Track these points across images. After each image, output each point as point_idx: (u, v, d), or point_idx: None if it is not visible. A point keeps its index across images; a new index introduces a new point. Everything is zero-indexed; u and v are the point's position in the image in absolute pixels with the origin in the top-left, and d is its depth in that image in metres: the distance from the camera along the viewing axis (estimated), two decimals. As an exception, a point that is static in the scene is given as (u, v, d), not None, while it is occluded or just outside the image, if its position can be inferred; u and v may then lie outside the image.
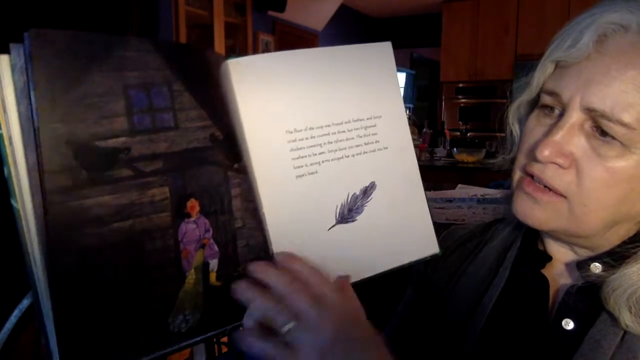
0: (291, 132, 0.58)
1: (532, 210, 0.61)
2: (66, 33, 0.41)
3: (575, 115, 0.57)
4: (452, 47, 5.97)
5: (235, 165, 0.55)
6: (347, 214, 0.61)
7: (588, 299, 0.61)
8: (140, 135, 0.46)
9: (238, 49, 4.30)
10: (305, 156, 0.59)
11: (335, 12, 5.56)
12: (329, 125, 0.60)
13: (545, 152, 0.57)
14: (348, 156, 0.61)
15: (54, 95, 0.41)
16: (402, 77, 8.05)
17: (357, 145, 0.62)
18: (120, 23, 3.21)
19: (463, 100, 6.11)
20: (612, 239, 0.62)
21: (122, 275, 0.46)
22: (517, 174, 0.65)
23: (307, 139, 0.59)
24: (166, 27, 3.51)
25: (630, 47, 0.55)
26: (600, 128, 0.56)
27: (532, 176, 0.61)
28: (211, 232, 0.52)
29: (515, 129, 0.69)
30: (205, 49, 0.51)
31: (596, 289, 0.60)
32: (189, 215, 0.50)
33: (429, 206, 0.66)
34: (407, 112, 7.21)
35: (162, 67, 0.48)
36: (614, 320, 0.58)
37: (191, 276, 0.51)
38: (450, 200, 1.93)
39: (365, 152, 0.62)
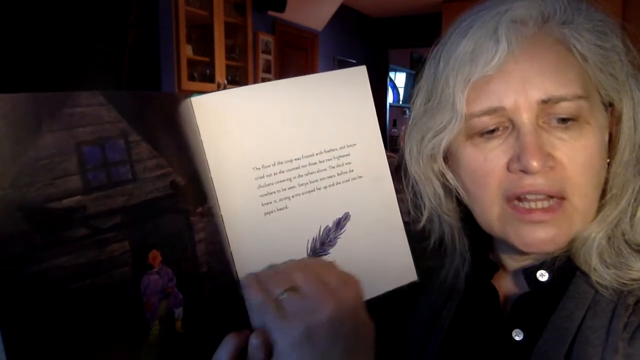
0: (258, 169, 0.58)
1: (547, 233, 0.57)
2: (11, 97, 0.40)
3: (528, 116, 0.55)
4: (452, 45, 5.91)
5: (199, 209, 0.54)
6: (320, 247, 0.60)
7: (536, 306, 0.60)
8: (96, 192, 0.45)
9: (238, 49, 4.30)
10: (274, 192, 0.58)
11: (335, 12, 5.53)
12: (299, 159, 0.59)
13: (533, 163, 0.54)
14: (320, 188, 0.60)
15: (2, 161, 0.41)
16: (402, 77, 8.04)
17: (330, 177, 0.60)
18: (120, 23, 3.21)
19: (463, 100, 6.06)
20: None
21: (82, 332, 0.46)
22: (495, 210, 0.59)
23: (275, 174, 0.58)
24: (166, 27, 3.51)
25: (539, 35, 0.57)
26: (555, 116, 0.55)
27: (518, 200, 0.57)
28: (175, 280, 0.52)
29: (450, 176, 0.64)
30: (162, 94, 0.50)
31: (544, 295, 0.60)
32: (151, 267, 0.50)
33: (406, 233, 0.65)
34: (408, 112, 7.18)
35: (117, 119, 0.47)
36: (561, 329, 0.57)
37: (155, 327, 0.51)
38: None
39: (338, 183, 0.61)
